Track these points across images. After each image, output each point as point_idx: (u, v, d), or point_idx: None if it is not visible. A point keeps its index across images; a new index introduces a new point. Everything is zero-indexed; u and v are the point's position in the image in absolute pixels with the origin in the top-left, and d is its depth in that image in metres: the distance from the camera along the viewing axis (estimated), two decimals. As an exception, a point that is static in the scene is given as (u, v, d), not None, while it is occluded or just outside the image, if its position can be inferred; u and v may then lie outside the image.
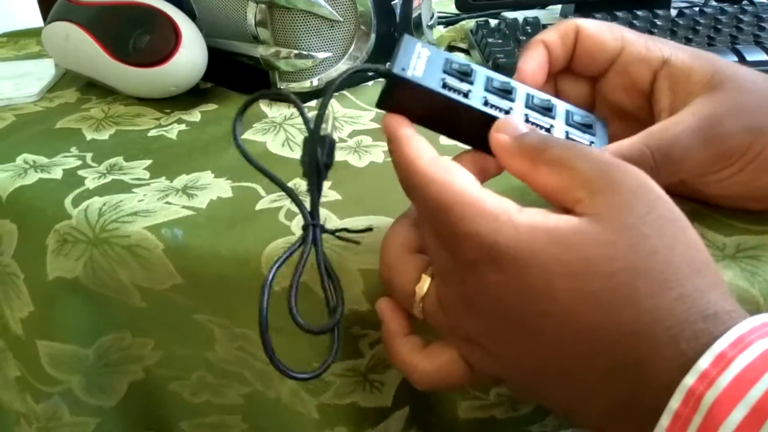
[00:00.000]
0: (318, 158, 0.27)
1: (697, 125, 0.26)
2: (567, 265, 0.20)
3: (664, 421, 0.18)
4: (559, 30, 0.30)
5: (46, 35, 0.55)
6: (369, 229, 0.31)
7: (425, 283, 0.24)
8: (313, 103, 0.48)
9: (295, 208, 0.34)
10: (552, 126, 0.27)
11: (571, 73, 0.31)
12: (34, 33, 0.75)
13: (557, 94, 0.31)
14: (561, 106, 0.28)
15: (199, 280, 0.32)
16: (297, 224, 0.32)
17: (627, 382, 0.20)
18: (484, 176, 0.26)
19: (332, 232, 0.30)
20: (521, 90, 0.27)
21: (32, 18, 0.81)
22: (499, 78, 0.27)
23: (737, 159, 0.27)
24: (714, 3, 0.61)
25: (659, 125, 0.27)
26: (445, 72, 0.26)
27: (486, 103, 0.26)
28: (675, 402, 0.18)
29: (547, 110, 0.27)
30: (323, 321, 0.31)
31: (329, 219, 0.33)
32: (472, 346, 0.24)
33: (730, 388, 0.17)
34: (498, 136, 0.24)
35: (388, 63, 0.26)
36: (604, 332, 0.20)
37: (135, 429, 0.39)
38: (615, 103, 0.30)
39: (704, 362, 0.18)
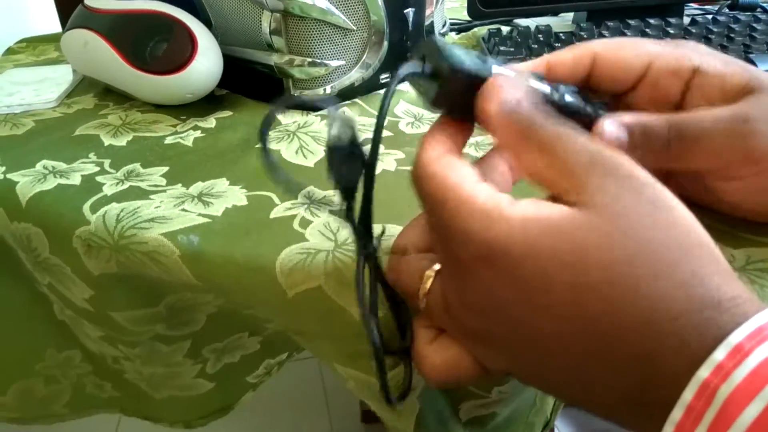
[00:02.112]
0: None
1: (725, 116, 0.25)
2: (562, 256, 0.20)
3: (677, 413, 0.18)
4: (573, 52, 0.28)
5: (65, 42, 0.56)
6: None
7: (428, 282, 0.24)
8: (325, 111, 0.48)
9: (309, 216, 0.34)
10: None
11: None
12: (52, 39, 0.77)
13: None
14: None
15: (216, 285, 0.33)
16: (311, 232, 0.33)
17: (634, 375, 0.19)
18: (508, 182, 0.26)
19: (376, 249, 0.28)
20: None
21: (50, 23, 0.82)
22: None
23: (765, 166, 0.26)
24: (727, 11, 0.61)
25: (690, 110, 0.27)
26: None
27: None
28: (688, 394, 0.18)
29: None
30: (338, 326, 0.31)
31: (342, 227, 0.33)
32: (476, 343, 0.23)
33: (746, 382, 0.17)
34: (485, 105, 0.23)
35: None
36: (606, 326, 0.19)
37: (227, 333, 0.42)
38: None
39: (719, 354, 0.17)
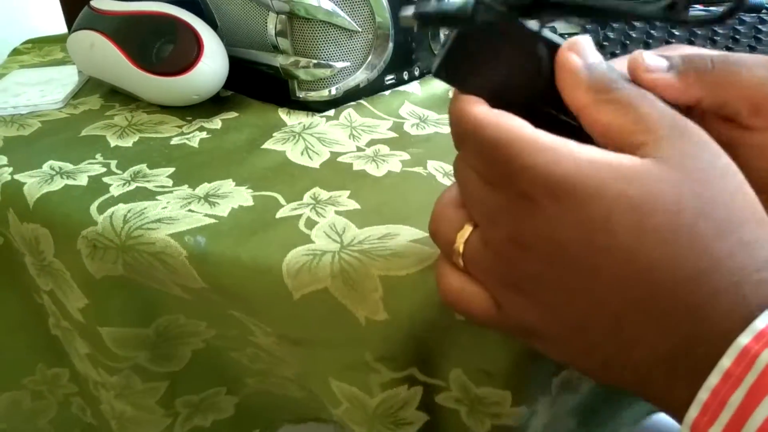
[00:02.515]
0: None
1: (762, 57, 0.25)
2: (630, 199, 0.20)
3: (713, 379, 0.18)
4: None
5: (71, 43, 0.56)
6: None
7: (467, 231, 0.24)
8: (331, 112, 0.49)
9: (315, 217, 0.35)
10: None
11: None
12: (57, 39, 0.77)
13: None
14: None
15: (222, 286, 0.33)
16: (316, 233, 0.33)
17: (680, 329, 0.19)
18: None
19: None
20: None
21: (55, 24, 0.82)
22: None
23: None
24: (732, 12, 0.61)
25: None
26: None
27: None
28: (727, 361, 0.18)
29: None
30: (341, 330, 0.31)
31: (348, 228, 0.34)
32: (513, 292, 0.23)
33: None
34: (570, 56, 0.23)
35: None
36: (663, 273, 0.19)
37: (205, 385, 0.41)
38: None
39: (761, 323, 0.18)
